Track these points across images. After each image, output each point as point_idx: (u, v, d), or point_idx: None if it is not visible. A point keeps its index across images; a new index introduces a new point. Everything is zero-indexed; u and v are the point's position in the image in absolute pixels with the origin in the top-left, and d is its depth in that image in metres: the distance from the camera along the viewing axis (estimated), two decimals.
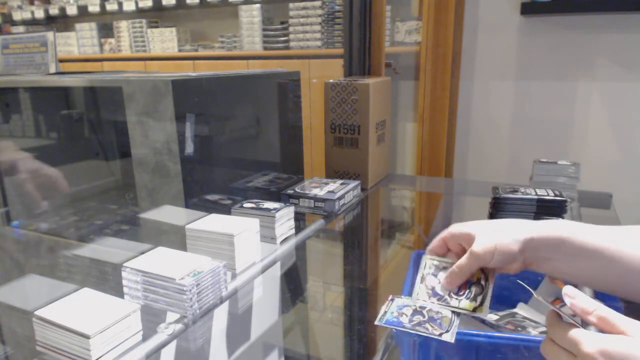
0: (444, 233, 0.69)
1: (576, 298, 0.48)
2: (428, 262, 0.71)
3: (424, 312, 0.67)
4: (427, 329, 0.63)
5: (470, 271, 0.64)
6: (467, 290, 0.65)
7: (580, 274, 0.61)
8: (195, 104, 0.94)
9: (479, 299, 0.64)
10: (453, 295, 0.65)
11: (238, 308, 0.80)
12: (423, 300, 0.67)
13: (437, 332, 0.62)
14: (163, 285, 0.68)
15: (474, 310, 0.63)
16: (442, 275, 0.68)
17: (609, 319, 0.46)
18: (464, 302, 0.64)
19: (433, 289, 0.67)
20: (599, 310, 0.46)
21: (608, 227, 0.63)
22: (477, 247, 0.62)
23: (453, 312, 0.66)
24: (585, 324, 0.48)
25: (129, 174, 1.01)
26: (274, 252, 0.93)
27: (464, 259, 0.63)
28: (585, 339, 0.45)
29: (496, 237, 0.62)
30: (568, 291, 0.48)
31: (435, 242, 0.70)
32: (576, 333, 0.46)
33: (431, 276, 0.68)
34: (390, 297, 0.72)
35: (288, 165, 1.30)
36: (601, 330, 0.46)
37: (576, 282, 0.64)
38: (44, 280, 1.09)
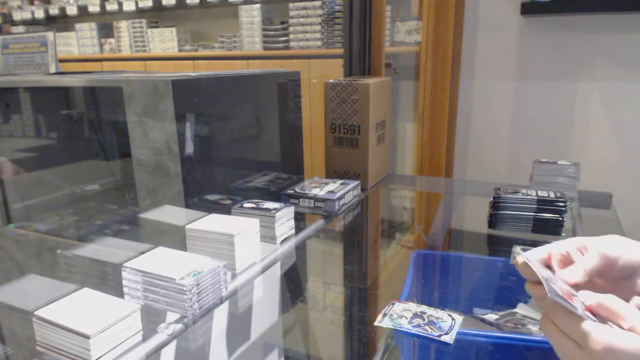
0: (557, 247, 0.58)
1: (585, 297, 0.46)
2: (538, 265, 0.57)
3: (424, 315, 0.67)
4: (426, 330, 0.64)
5: (595, 270, 0.55)
6: None
7: None
8: (195, 104, 0.94)
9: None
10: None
11: (238, 308, 0.80)
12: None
13: (437, 334, 0.62)
14: (163, 285, 0.68)
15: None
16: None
17: (620, 312, 0.44)
18: None
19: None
20: (606, 301, 0.45)
21: None
22: (607, 249, 0.55)
23: (451, 315, 0.66)
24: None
25: (129, 174, 1.01)
26: (274, 252, 0.93)
27: (592, 259, 0.55)
28: (595, 333, 0.42)
29: (620, 245, 0.56)
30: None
31: (540, 252, 0.58)
32: (587, 326, 0.43)
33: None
34: (392, 302, 0.72)
35: (288, 165, 1.30)
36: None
37: None
38: (44, 280, 1.09)
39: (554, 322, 0.47)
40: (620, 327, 0.44)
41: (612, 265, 0.55)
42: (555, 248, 0.58)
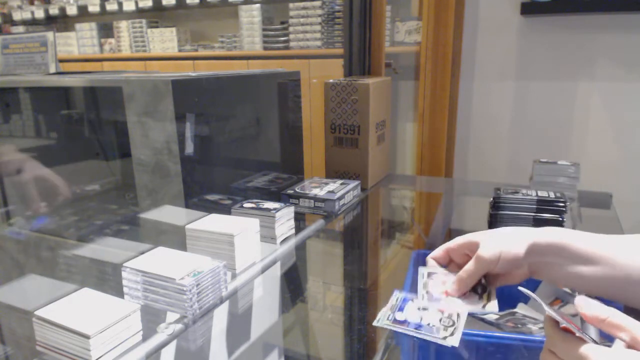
0: (449, 244, 0.69)
1: (589, 307, 0.46)
2: (426, 272, 0.70)
3: (428, 312, 0.67)
4: (429, 331, 0.63)
5: (477, 276, 0.64)
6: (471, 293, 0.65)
7: (580, 281, 0.61)
8: (195, 104, 0.94)
9: (485, 296, 0.64)
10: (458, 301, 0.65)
11: (238, 308, 0.80)
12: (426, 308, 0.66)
13: (441, 336, 0.62)
14: (163, 285, 0.68)
15: (483, 306, 0.64)
16: (442, 284, 0.68)
17: (624, 327, 0.44)
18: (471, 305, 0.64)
19: (437, 297, 0.66)
20: (612, 317, 0.44)
21: (604, 235, 0.63)
22: (483, 251, 0.62)
23: (457, 314, 0.66)
24: (585, 327, 0.47)
25: (129, 174, 1.01)
26: (274, 252, 0.93)
27: (470, 264, 0.64)
28: (594, 356, 0.43)
29: (501, 242, 0.62)
30: (580, 302, 0.46)
31: (438, 252, 0.69)
32: (586, 349, 0.44)
33: (434, 286, 0.68)
34: (394, 293, 0.71)
35: (288, 165, 1.30)
36: (609, 336, 0.45)
37: (576, 289, 0.64)
38: (44, 280, 1.09)
39: (553, 352, 0.48)
40: (622, 339, 0.44)
41: (490, 264, 0.62)
42: (449, 247, 0.68)
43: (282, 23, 2.99)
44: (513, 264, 0.62)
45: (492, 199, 1.11)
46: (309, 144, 2.26)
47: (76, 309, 0.61)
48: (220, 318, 0.74)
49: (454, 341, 0.61)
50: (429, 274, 0.69)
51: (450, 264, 0.70)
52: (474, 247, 0.65)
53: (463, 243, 0.67)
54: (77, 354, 0.57)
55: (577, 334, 0.45)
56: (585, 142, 1.97)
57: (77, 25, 3.88)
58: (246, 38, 3.10)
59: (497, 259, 0.61)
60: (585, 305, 0.46)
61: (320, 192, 1.16)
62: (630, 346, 0.43)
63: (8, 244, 1.21)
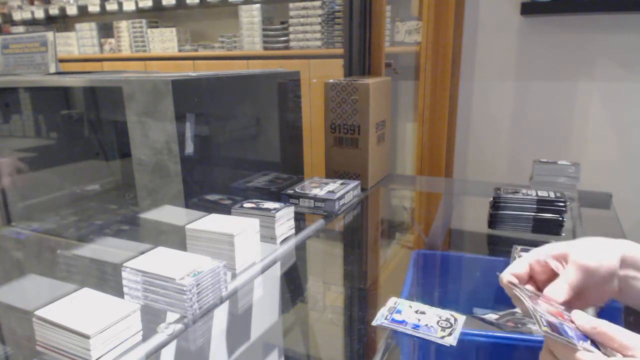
0: (534, 256, 0.59)
1: (581, 318, 0.47)
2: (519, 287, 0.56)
3: (425, 315, 0.67)
4: (427, 331, 0.63)
5: (579, 286, 0.55)
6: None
7: None
8: (195, 104, 0.94)
9: None
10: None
11: (238, 308, 0.80)
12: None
13: (439, 335, 0.62)
14: (163, 285, 0.68)
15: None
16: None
17: (609, 334, 0.45)
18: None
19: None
20: (601, 327, 0.46)
21: None
22: (586, 259, 0.55)
23: (453, 315, 0.66)
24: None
25: (129, 174, 1.01)
26: (274, 252, 0.93)
27: (571, 274, 0.55)
28: None
29: (598, 252, 0.56)
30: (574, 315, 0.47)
31: (520, 268, 0.58)
32: (582, 354, 0.45)
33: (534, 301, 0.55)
34: (392, 298, 0.72)
35: (288, 165, 1.30)
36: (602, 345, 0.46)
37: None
38: (44, 280, 1.09)
39: (553, 352, 0.48)
40: (613, 349, 0.45)
41: (593, 274, 0.55)
42: (534, 261, 0.58)
43: (282, 23, 2.99)
44: (606, 277, 0.55)
45: (492, 199, 1.11)
46: (309, 144, 2.26)
47: (76, 309, 0.61)
48: (220, 318, 0.74)
49: (451, 340, 0.62)
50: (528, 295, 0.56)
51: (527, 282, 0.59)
52: (564, 258, 0.57)
53: (557, 254, 0.57)
54: (77, 354, 0.57)
55: (572, 344, 0.46)
56: (585, 142, 1.97)
57: (77, 25, 3.88)
58: (246, 38, 3.10)
59: (600, 269, 0.55)
60: (577, 317, 0.48)
61: (320, 192, 1.16)
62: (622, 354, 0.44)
63: (8, 244, 1.21)
